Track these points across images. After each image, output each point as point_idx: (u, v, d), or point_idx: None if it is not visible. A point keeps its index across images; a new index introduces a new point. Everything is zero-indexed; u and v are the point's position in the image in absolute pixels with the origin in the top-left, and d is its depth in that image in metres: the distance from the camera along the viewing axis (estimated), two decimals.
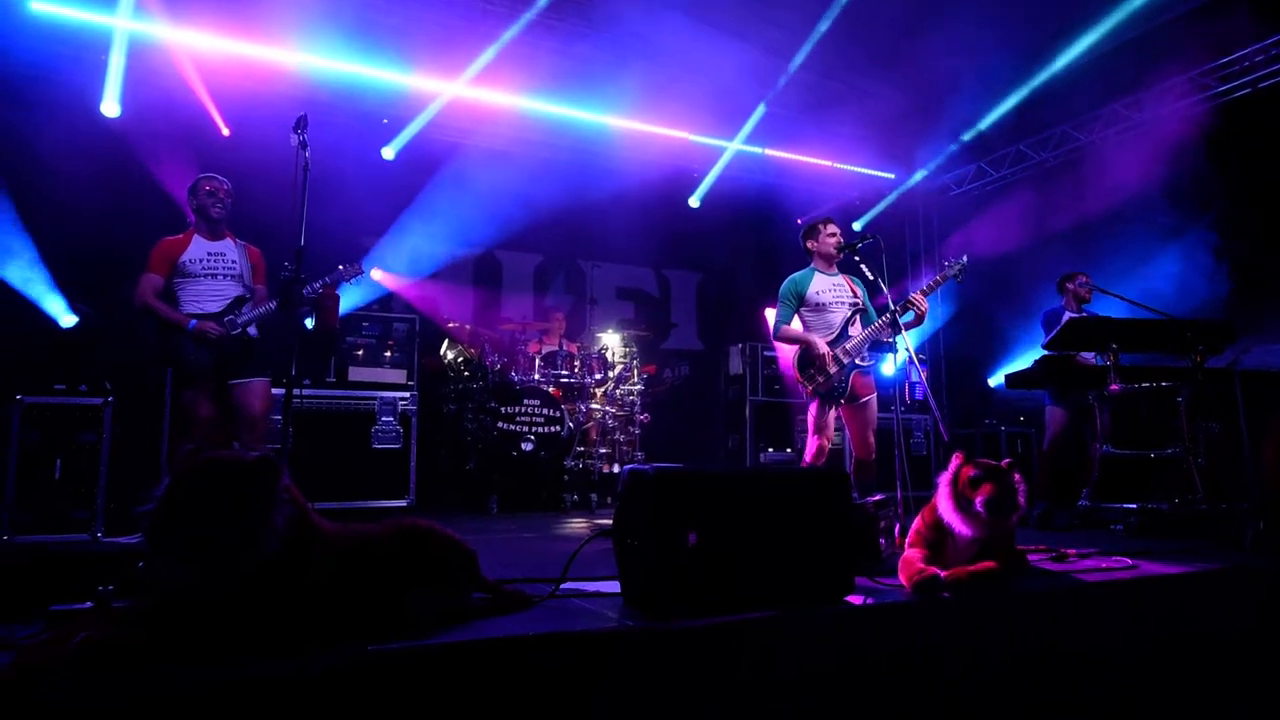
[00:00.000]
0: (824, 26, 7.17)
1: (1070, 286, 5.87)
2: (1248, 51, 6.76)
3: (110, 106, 6.31)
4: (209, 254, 4.36)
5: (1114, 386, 4.85)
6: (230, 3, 6.32)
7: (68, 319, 6.15)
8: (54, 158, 6.07)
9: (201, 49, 6.55)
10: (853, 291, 4.69)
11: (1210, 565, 3.05)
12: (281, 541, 1.77)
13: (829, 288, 4.66)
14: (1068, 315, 5.74)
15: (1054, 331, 5.15)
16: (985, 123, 8.32)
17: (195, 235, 4.39)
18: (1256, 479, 4.04)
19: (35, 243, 6.04)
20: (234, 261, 4.41)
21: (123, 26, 6.15)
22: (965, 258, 4.61)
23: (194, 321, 4.17)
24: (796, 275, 4.73)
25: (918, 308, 4.35)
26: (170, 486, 1.73)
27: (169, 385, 5.22)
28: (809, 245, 4.80)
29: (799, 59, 7.59)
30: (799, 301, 4.64)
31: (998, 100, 8.04)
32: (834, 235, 4.71)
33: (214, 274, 4.34)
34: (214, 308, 4.29)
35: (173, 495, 1.72)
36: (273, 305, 4.31)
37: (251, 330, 4.38)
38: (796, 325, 4.64)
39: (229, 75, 6.74)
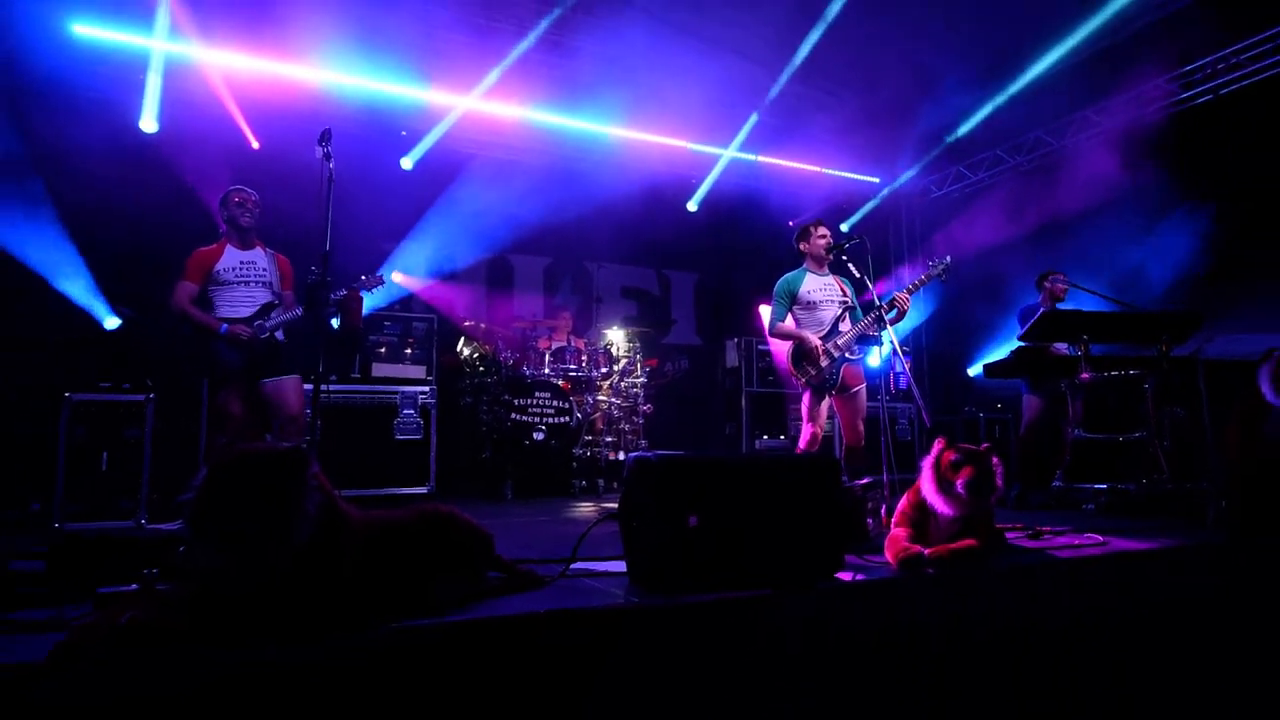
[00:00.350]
0: (812, 40, 7.14)
1: (1046, 285, 5.85)
2: (1209, 60, 6.72)
3: (148, 123, 6.32)
4: (241, 262, 4.36)
5: (1085, 375, 4.83)
6: (260, 25, 6.31)
7: (111, 321, 6.17)
8: (96, 170, 6.08)
9: (233, 68, 6.56)
10: (842, 291, 4.69)
11: (1175, 542, 3.05)
12: (312, 527, 1.77)
13: (820, 287, 4.66)
14: (1042, 311, 5.74)
15: (1029, 324, 5.14)
16: (963, 129, 8.29)
17: (228, 245, 4.39)
18: (1218, 461, 4.03)
19: (80, 251, 6.06)
20: (264, 269, 4.41)
21: (159, 48, 6.16)
22: (949, 258, 4.60)
23: (226, 325, 4.18)
24: (789, 275, 4.72)
25: (901, 305, 4.35)
26: (207, 477, 1.73)
27: (205, 383, 5.23)
28: (801, 247, 4.79)
29: (788, 71, 7.57)
30: (792, 300, 4.64)
31: (975, 107, 8.01)
32: (824, 237, 4.71)
33: (246, 281, 4.34)
34: (246, 312, 4.29)
35: (209, 485, 1.72)
36: (299, 311, 4.32)
37: (279, 334, 4.39)
38: (790, 322, 4.64)
39: (258, 92, 6.74)
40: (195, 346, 4.26)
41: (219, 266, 4.30)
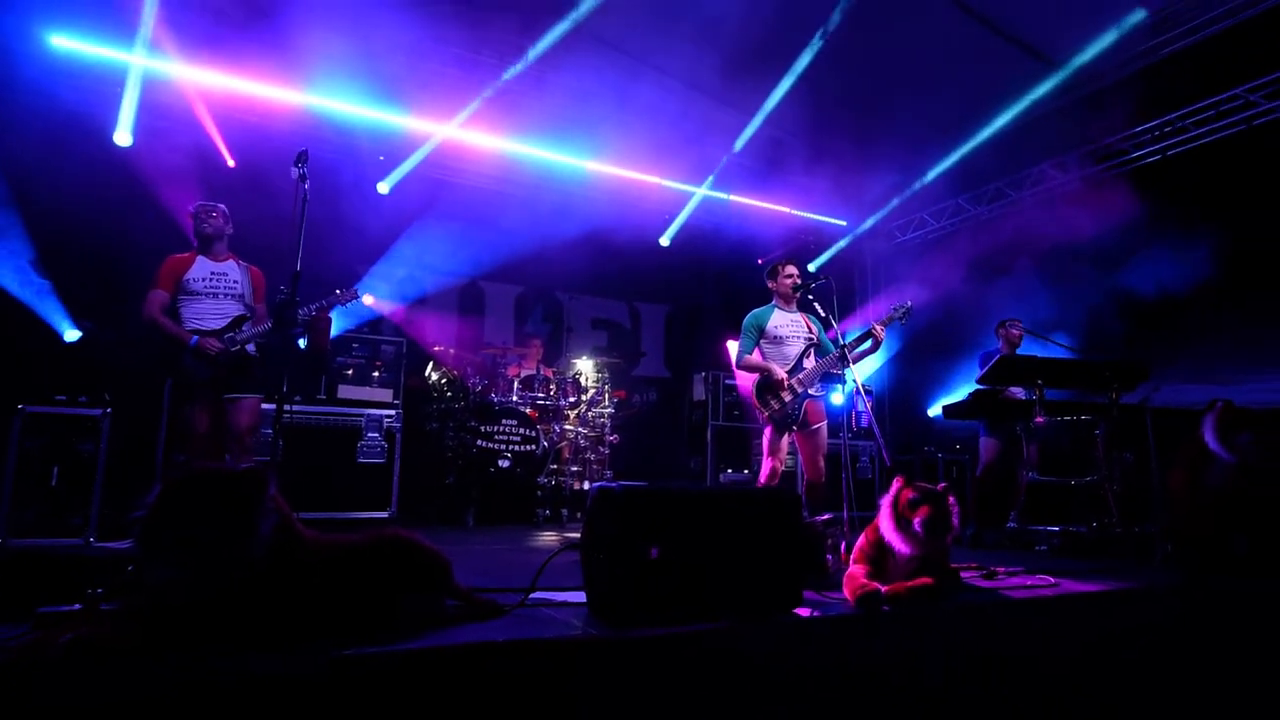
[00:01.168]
0: (783, 87, 7.30)
1: (1003, 331, 6.00)
2: (1156, 123, 7.01)
3: (122, 136, 6.22)
4: (212, 273, 4.31)
5: (1039, 419, 4.93)
6: (239, 45, 6.28)
7: (71, 334, 6.01)
8: (66, 182, 5.97)
9: (212, 86, 6.51)
10: (808, 328, 4.75)
11: (1124, 584, 3.10)
12: (267, 548, 1.73)
13: (787, 323, 4.72)
14: (1000, 355, 5.88)
15: (986, 368, 5.24)
16: (928, 178, 8.49)
17: (199, 255, 4.34)
18: (1165, 505, 4.12)
19: (43, 261, 5.91)
20: (236, 281, 4.36)
21: (137, 63, 6.08)
22: (910, 302, 4.68)
23: (196, 338, 4.11)
24: (758, 310, 4.78)
25: (876, 336, 4.42)
26: (162, 494, 1.69)
27: (166, 398, 5.10)
28: (770, 284, 4.85)
29: (760, 115, 7.72)
30: (760, 333, 4.69)
31: (939, 158, 8.23)
32: (790, 276, 4.77)
33: (216, 293, 4.28)
34: (215, 325, 4.23)
35: (164, 502, 1.68)
36: (269, 325, 4.26)
37: (250, 348, 4.32)
38: (757, 355, 4.68)
39: (236, 111, 6.70)
40: (162, 357, 4.17)
41: (189, 276, 4.24)
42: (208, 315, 4.25)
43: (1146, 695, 2.83)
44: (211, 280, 4.29)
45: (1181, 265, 6.59)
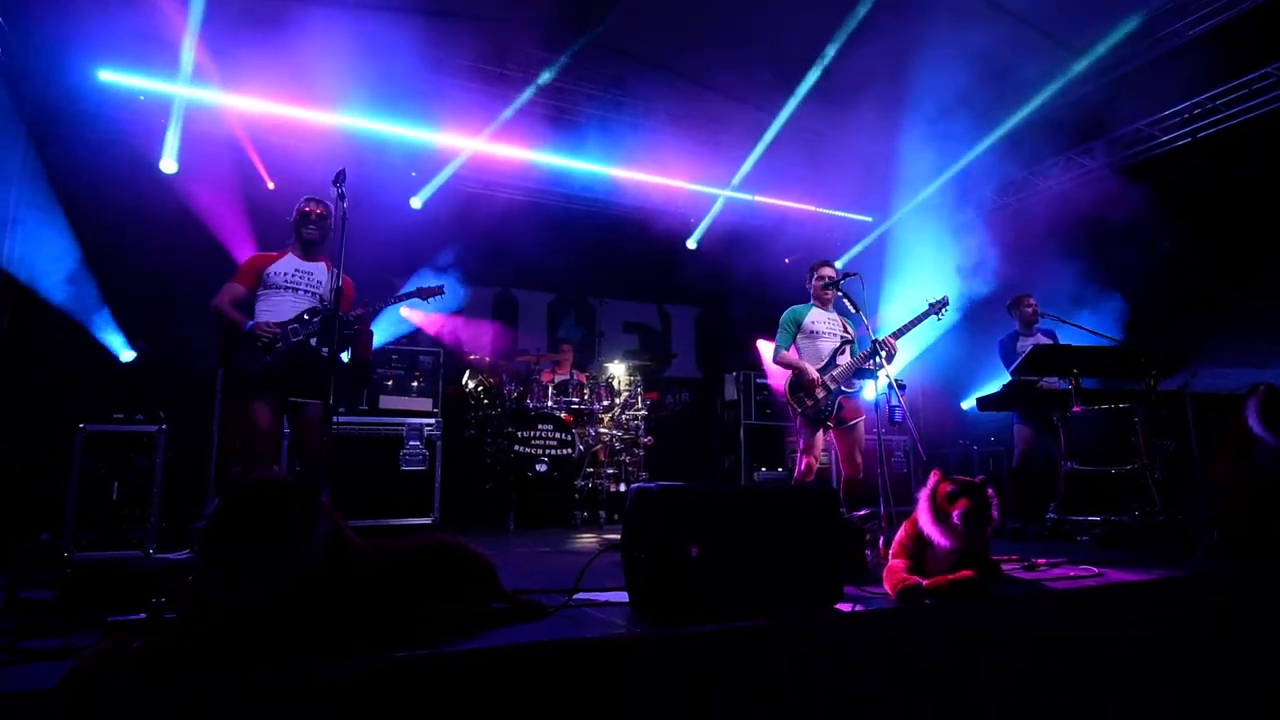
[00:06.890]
0: (805, 86, 7.25)
1: (1017, 310, 5.85)
2: (1185, 106, 6.83)
3: (168, 164, 6.39)
4: (297, 270, 4.05)
5: (1076, 408, 4.82)
6: (277, 71, 6.41)
7: (127, 354, 6.18)
8: (118, 210, 6.15)
9: (251, 112, 6.67)
10: (844, 327, 4.77)
11: (1169, 573, 3.01)
12: (320, 556, 1.76)
13: (824, 320, 4.74)
14: (1021, 339, 5.74)
15: (1019, 359, 5.14)
16: (952, 170, 8.35)
17: (290, 253, 4.13)
18: (1208, 492, 4.00)
19: (99, 285, 6.10)
20: (320, 282, 4.09)
21: (181, 93, 6.25)
22: (946, 296, 4.62)
23: (251, 322, 3.84)
24: (797, 306, 4.82)
25: (890, 349, 4.33)
26: (219, 506, 1.72)
27: (217, 411, 5.20)
28: (810, 283, 4.85)
29: (784, 115, 7.66)
30: (797, 329, 4.70)
31: (963, 150, 8.09)
32: (822, 278, 4.76)
33: (295, 288, 4.01)
34: (285, 318, 3.94)
35: (222, 514, 1.71)
36: (352, 314, 3.95)
37: (314, 343, 3.93)
38: (793, 351, 4.68)
39: (275, 135, 6.86)
40: (221, 348, 3.92)
41: (272, 269, 4.00)
42: (281, 308, 3.94)
43: (1196, 684, 2.75)
44: (294, 276, 4.03)
45: (1216, 247, 6.41)
